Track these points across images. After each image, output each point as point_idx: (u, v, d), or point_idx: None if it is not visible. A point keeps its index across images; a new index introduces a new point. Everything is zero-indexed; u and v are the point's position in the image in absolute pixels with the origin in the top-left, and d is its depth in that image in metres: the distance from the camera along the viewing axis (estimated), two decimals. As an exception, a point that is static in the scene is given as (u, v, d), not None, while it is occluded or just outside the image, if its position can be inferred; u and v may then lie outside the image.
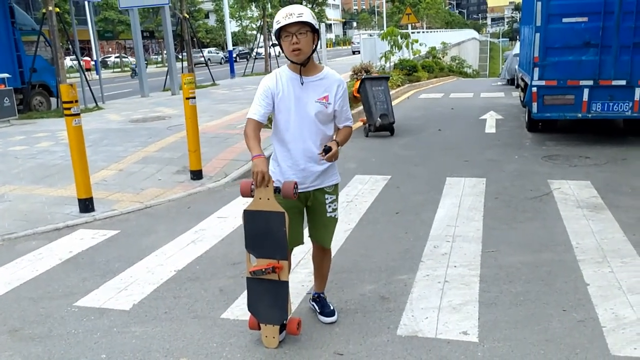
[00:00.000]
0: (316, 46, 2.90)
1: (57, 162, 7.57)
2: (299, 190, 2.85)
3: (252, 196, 2.84)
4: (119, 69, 41.33)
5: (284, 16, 2.76)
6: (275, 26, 2.80)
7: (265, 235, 2.87)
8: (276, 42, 2.92)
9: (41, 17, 12.87)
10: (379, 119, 9.11)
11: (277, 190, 2.83)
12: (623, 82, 7.46)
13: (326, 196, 3.08)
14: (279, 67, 3.11)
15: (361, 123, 10.10)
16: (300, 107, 2.91)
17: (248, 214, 2.89)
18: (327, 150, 2.89)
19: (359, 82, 9.64)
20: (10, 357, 3.05)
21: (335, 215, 3.14)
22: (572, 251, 4.15)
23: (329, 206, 3.09)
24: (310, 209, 3.11)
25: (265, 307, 2.98)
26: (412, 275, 3.85)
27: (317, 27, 2.83)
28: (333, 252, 4.23)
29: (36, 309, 3.60)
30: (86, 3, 18.66)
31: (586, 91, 7.60)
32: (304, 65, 2.88)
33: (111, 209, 5.63)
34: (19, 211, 5.66)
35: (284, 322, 3.02)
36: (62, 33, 14.89)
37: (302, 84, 2.91)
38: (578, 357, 2.82)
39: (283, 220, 2.80)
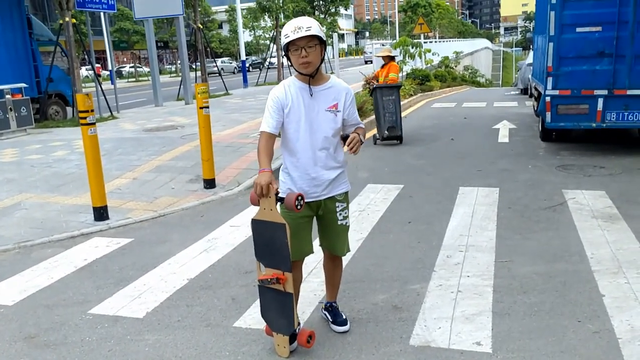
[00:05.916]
0: (323, 57, 2.91)
1: (72, 171, 7.67)
2: (309, 200, 2.84)
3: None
4: (134, 79, 41.79)
5: (293, 30, 2.75)
6: (284, 40, 2.79)
7: (270, 245, 2.87)
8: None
9: (58, 28, 13.09)
10: (386, 131, 9.21)
11: (282, 200, 2.83)
12: (638, 92, 7.39)
13: (337, 204, 3.08)
14: (291, 76, 3.13)
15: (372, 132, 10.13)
16: (311, 117, 2.92)
17: (255, 223, 2.90)
18: (344, 137, 2.91)
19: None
20: (26, 364, 3.08)
21: (346, 223, 3.15)
22: (586, 262, 4.11)
23: (340, 214, 3.10)
24: (321, 217, 3.12)
25: (275, 315, 2.99)
26: (425, 284, 3.83)
27: (324, 38, 2.84)
28: (345, 262, 4.23)
29: (51, 316, 3.63)
30: (102, 14, 18.94)
31: (600, 101, 7.54)
32: (313, 77, 2.91)
33: (125, 217, 5.68)
34: (34, 219, 5.73)
35: (295, 332, 3.02)
36: (78, 43, 15.10)
37: (311, 95, 2.92)
38: (593, 369, 2.79)
39: (284, 232, 2.77)
